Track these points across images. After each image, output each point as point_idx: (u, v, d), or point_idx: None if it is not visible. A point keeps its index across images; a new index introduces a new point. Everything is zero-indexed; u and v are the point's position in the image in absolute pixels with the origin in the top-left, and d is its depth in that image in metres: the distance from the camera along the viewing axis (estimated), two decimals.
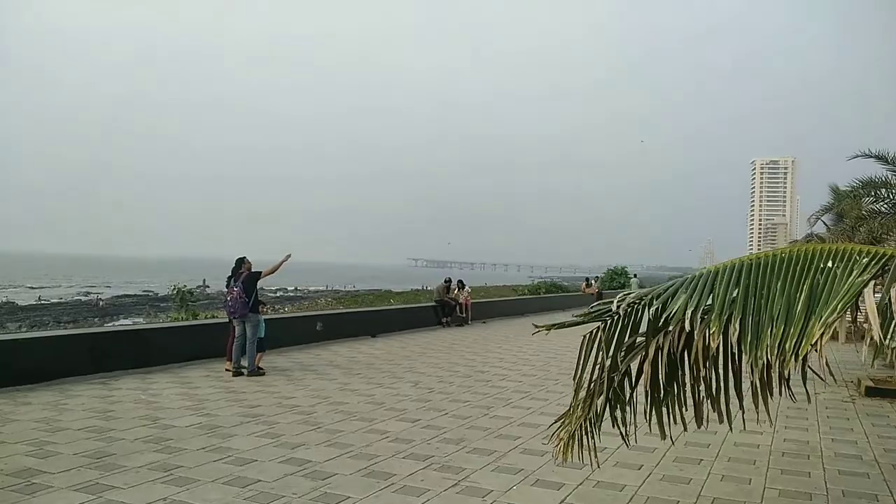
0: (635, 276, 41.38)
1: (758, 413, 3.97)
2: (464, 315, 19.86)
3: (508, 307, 23.66)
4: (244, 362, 10.37)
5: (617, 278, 47.68)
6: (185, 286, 18.07)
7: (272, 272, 10.89)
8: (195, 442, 6.34)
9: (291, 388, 9.17)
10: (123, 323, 41.45)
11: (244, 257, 10.58)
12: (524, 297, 28.15)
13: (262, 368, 10.32)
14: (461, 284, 20.84)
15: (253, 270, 10.47)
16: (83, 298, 56.84)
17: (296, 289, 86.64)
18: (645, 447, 5.89)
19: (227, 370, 10.54)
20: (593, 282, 35.03)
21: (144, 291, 68.18)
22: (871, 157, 9.29)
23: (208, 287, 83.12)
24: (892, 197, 10.05)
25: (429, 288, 75.04)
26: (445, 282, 19.98)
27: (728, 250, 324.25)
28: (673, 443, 5.93)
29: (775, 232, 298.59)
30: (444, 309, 19.25)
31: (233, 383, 9.60)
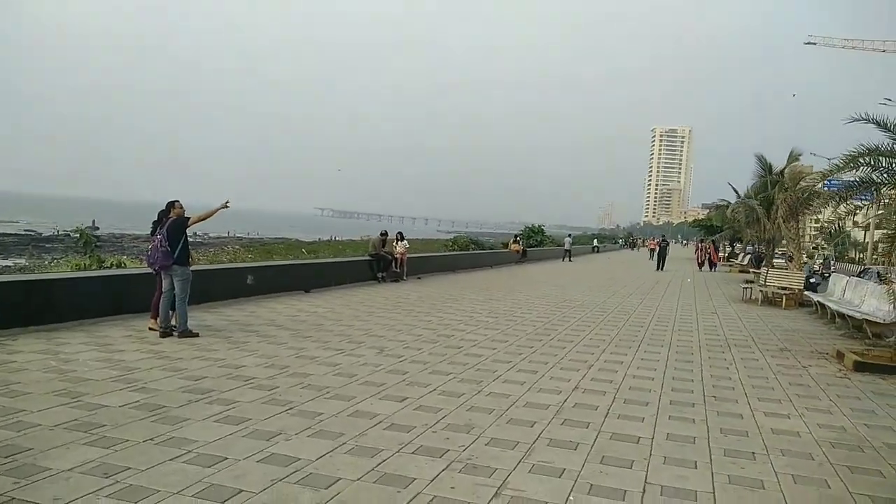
0: (569, 235, 46.88)
1: None
2: (399, 270, 18.69)
3: (441, 263, 22.68)
4: (175, 321, 8.85)
5: (534, 236, 47.96)
6: (87, 227, 15.81)
7: (204, 219, 9.30)
8: (137, 430, 4.95)
9: (237, 354, 7.78)
10: (4, 265, 37.42)
11: (175, 201, 8.92)
12: (455, 252, 27.26)
13: (192, 330, 8.82)
14: (400, 237, 19.60)
15: (182, 217, 8.86)
16: None
17: (195, 234, 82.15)
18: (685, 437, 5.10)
19: (151, 329, 8.99)
20: (519, 240, 34.84)
21: (26, 231, 62.26)
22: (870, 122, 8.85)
23: (98, 229, 77.45)
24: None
25: (336, 238, 72.90)
26: (382, 234, 18.66)
27: (626, 213, 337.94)
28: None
29: (670, 197, 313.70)
30: (380, 263, 18.00)
31: (163, 346, 8.09)
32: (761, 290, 16.96)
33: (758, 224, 25.29)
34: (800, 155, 24.83)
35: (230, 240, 76.50)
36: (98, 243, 14.41)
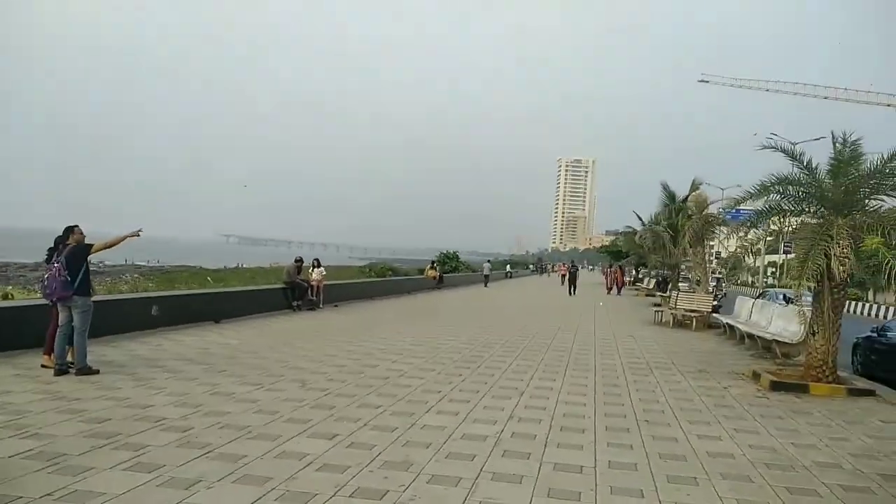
0: (488, 261, 49.88)
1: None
2: (314, 298, 18.09)
3: (357, 290, 22.18)
4: (72, 357, 8.05)
5: (449, 262, 48.23)
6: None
7: (109, 247, 8.58)
8: (34, 484, 4.34)
9: (144, 393, 7.11)
10: None
11: (74, 226, 8.16)
12: (371, 279, 26.76)
13: (92, 367, 8.05)
14: (316, 263, 19.00)
15: (83, 243, 8.12)
16: None
17: (91, 262, 77.17)
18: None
19: (44, 366, 8.14)
20: (436, 266, 34.78)
21: None
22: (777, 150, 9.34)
23: None
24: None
25: (244, 265, 70.36)
26: (297, 261, 18.02)
27: (535, 239, 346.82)
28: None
29: (576, 224, 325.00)
30: (295, 291, 17.35)
31: (59, 385, 7.30)
32: (672, 314, 17.54)
33: (664, 249, 26.42)
34: (700, 184, 26.21)
35: (128, 267, 72.33)
36: None
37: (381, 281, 26.15)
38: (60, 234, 8.38)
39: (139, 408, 6.45)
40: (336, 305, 19.31)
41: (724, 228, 23.17)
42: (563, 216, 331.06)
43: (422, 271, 39.36)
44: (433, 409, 6.94)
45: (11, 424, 5.67)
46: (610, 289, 39.30)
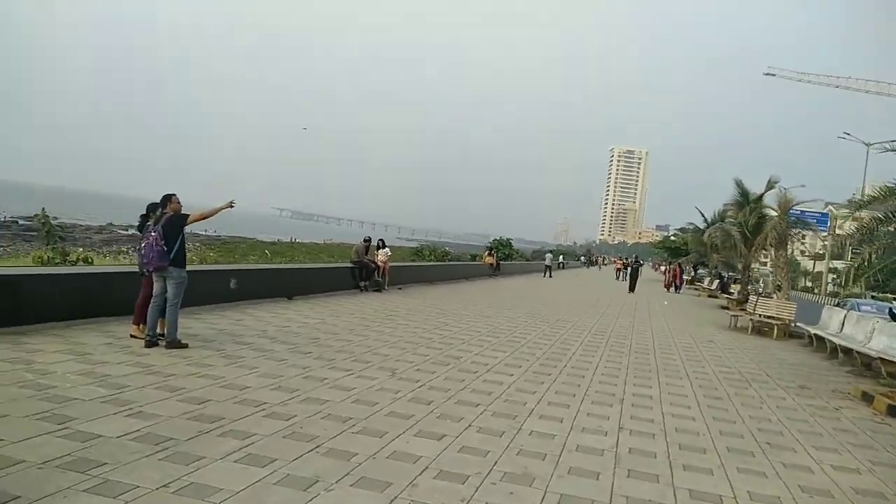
0: (550, 252, 50.17)
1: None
2: (381, 280, 17.87)
3: (417, 273, 21.90)
4: (162, 329, 7.93)
5: (502, 248, 47.68)
6: (49, 214, 14.58)
7: (204, 218, 8.39)
8: (146, 471, 4.11)
9: (237, 372, 6.91)
10: None
11: (172, 194, 7.99)
12: (431, 263, 26.49)
13: (181, 340, 7.92)
14: (381, 244, 18.76)
15: (180, 213, 7.94)
16: None
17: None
18: None
19: (133, 336, 8.04)
20: (494, 252, 34.34)
21: None
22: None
23: (47, 217, 73.51)
24: None
25: (297, 240, 70.88)
26: (365, 241, 17.82)
27: (581, 230, 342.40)
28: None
29: (625, 217, 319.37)
30: (363, 272, 17.15)
31: (151, 358, 7.17)
32: (750, 319, 16.72)
33: (733, 249, 25.36)
34: (776, 182, 24.93)
35: (188, 236, 74.20)
36: (62, 234, 13.15)
37: (441, 265, 25.83)
38: (155, 201, 8.25)
39: (236, 389, 6.24)
40: (400, 288, 19.07)
41: (807, 231, 22.16)
42: (612, 208, 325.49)
43: (474, 256, 38.97)
44: (534, 413, 6.53)
45: (113, 400, 5.50)
46: (668, 286, 38.22)
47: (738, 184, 24.90)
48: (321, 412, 5.78)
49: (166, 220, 7.72)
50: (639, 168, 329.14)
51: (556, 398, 7.29)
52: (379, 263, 17.92)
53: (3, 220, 60.54)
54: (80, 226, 64.19)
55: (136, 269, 10.05)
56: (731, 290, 29.35)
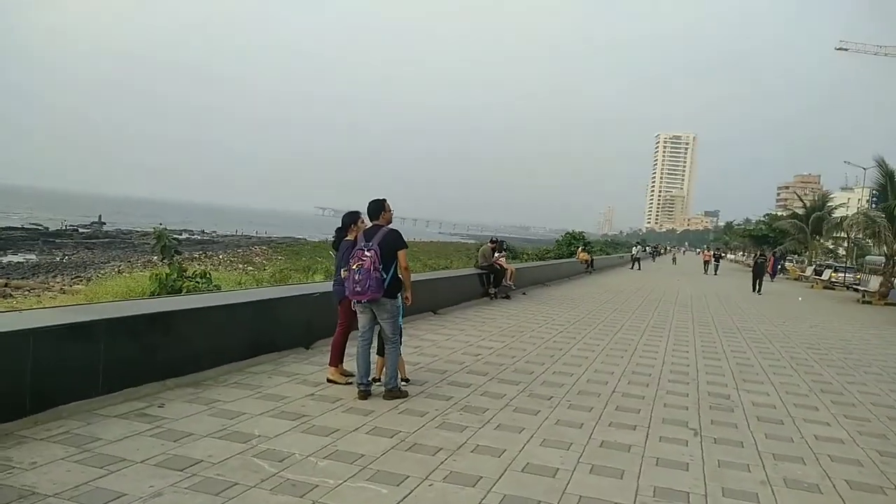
0: (637, 243, 49.33)
1: None
2: (511, 285, 15.96)
3: (531, 275, 19.85)
4: (376, 373, 6.19)
5: (575, 243, 45.37)
6: (162, 225, 13.08)
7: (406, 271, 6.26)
8: None
9: (499, 435, 5.06)
10: (13, 259, 34.37)
11: (383, 200, 6.13)
12: (541, 263, 24.44)
13: (405, 383, 6.16)
14: (501, 246, 16.83)
15: (394, 227, 6.09)
16: None
17: (203, 231, 78.65)
18: None
19: (330, 380, 6.30)
20: (587, 249, 32.21)
21: (32, 225, 59.13)
22: None
23: (105, 224, 73.68)
24: None
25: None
26: (492, 242, 15.94)
27: (626, 218, 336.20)
28: None
29: (673, 204, 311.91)
30: (491, 277, 15.27)
31: (377, 414, 5.40)
32: None
33: (875, 237, 22.79)
34: None
35: (240, 238, 73.58)
36: (178, 248, 11.59)
37: (548, 265, 23.78)
38: (354, 210, 6.49)
39: (534, 467, 4.38)
40: (524, 293, 17.14)
41: None
42: (659, 195, 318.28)
43: (547, 252, 36.72)
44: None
45: (363, 474, 3.69)
46: (773, 275, 35.39)
47: (881, 163, 22.21)
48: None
49: (384, 236, 5.88)
50: (686, 153, 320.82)
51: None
52: (506, 267, 16.00)
53: (64, 228, 60.89)
54: (136, 232, 64.15)
55: (298, 291, 8.45)
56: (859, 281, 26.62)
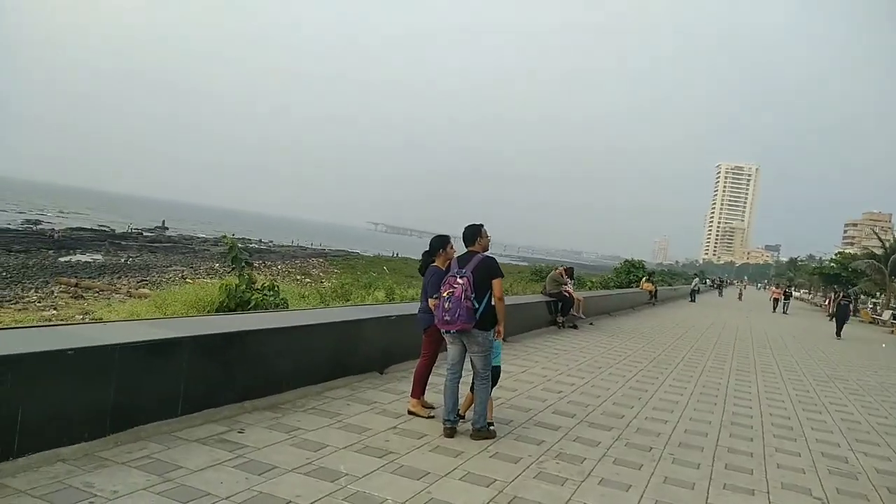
0: (696, 275, 42.33)
1: None
2: (578, 314, 15.38)
3: (597, 304, 19.16)
4: (463, 410, 5.79)
5: (634, 272, 44.13)
6: (233, 234, 12.98)
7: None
8: None
9: (601, 492, 4.56)
10: (81, 259, 35.54)
11: (480, 226, 5.75)
12: (607, 292, 23.66)
13: (492, 426, 5.72)
14: (570, 273, 16.25)
15: (489, 254, 5.70)
16: (34, 228, 50.14)
17: (260, 241, 79.97)
18: None
19: (411, 412, 5.92)
20: (652, 279, 31.23)
21: (100, 227, 61.28)
22: None
23: (167, 229, 75.74)
24: None
25: (400, 255, 69.27)
26: (566, 270, 15.39)
27: (682, 248, 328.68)
28: None
29: (732, 236, 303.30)
30: (559, 305, 14.71)
31: (467, 457, 4.96)
32: None
33: None
34: None
35: (296, 249, 74.48)
36: (248, 259, 11.45)
37: (614, 294, 23.01)
38: (442, 234, 6.15)
39: None
40: (591, 323, 16.49)
41: None
42: (718, 226, 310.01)
43: (609, 280, 35.65)
44: None
45: None
46: (832, 317, 33.58)
47: None
48: None
49: (479, 263, 5.50)
50: (748, 184, 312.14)
51: None
52: (575, 295, 15.43)
53: (129, 231, 62.77)
54: (198, 238, 65.63)
55: (376, 312, 8.12)
56: None
